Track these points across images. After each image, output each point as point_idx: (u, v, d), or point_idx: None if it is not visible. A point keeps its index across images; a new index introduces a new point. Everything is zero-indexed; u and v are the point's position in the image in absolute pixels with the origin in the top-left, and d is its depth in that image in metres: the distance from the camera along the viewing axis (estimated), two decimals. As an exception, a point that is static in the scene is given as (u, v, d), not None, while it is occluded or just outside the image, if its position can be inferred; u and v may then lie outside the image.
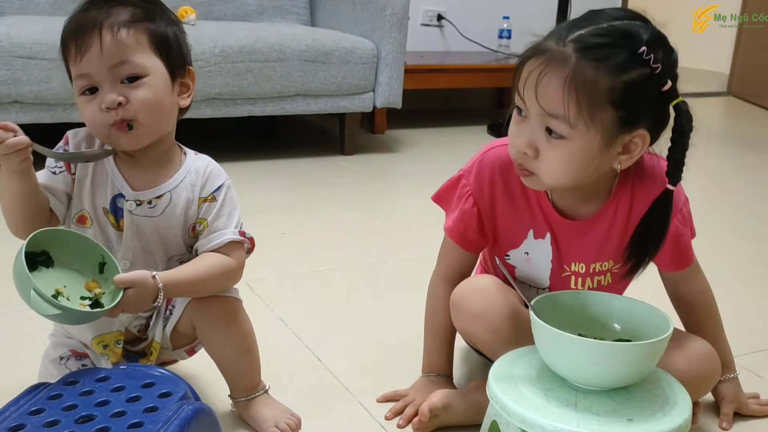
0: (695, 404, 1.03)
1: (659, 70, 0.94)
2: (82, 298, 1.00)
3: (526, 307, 1.02)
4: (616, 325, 1.05)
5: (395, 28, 2.83)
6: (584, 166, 0.99)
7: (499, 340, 1.11)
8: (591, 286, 1.16)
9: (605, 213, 1.11)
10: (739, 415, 1.24)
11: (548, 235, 1.14)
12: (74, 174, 1.06)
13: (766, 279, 1.92)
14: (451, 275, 1.21)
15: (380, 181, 2.71)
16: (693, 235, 1.16)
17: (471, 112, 3.92)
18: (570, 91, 0.93)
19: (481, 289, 1.14)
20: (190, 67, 1.10)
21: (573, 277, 1.16)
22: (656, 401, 0.96)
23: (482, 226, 1.16)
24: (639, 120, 0.98)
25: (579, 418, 0.91)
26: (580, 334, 1.00)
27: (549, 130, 0.98)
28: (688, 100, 0.99)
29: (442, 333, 1.23)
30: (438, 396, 1.15)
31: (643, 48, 0.93)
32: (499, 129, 3.34)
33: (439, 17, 3.81)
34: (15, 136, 0.95)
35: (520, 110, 1.01)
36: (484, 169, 1.14)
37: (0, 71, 2.28)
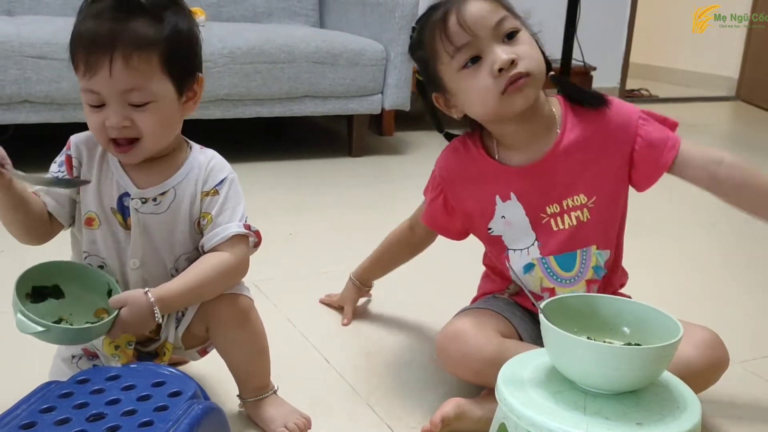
0: None
1: None
2: (87, 323, 1.03)
3: (535, 307, 1.02)
4: (625, 329, 1.05)
5: (404, 30, 2.83)
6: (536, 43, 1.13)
7: (484, 381, 1.14)
8: (571, 224, 1.19)
9: (556, 149, 1.17)
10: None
11: (512, 195, 1.20)
12: (77, 177, 1.06)
13: (775, 284, 1.92)
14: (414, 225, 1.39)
15: (387, 183, 2.72)
16: (672, 124, 1.21)
17: (478, 114, 3.91)
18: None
19: (456, 336, 1.17)
20: (200, 74, 1.07)
21: (552, 220, 1.20)
22: (666, 405, 0.96)
23: (451, 210, 1.26)
24: None
25: (588, 422, 0.91)
26: (588, 338, 1.01)
27: (507, 36, 1.09)
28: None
29: (384, 258, 1.49)
30: (451, 405, 1.15)
31: None
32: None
33: (448, 20, 3.81)
34: None
35: (472, 61, 1.09)
36: (440, 159, 1.27)
37: (11, 71, 2.29)
